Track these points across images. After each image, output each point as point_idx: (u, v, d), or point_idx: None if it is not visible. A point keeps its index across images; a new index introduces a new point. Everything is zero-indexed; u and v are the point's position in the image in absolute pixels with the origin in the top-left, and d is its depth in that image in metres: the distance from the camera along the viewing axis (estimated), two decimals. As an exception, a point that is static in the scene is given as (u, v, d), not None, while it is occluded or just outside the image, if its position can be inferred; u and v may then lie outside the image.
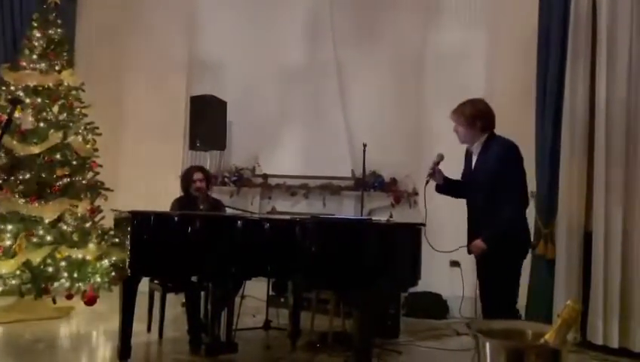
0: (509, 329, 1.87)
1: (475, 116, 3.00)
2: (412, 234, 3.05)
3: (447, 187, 3.18)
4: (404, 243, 3.00)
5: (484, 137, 3.02)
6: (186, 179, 4.13)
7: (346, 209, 5.72)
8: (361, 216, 5.07)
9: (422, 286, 3.54)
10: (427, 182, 3.15)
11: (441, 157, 3.14)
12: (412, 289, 4.03)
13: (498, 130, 3.11)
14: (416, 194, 5.38)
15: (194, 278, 3.77)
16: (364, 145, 4.73)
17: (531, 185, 4.46)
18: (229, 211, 4.36)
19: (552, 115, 4.30)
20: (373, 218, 4.15)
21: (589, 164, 4.15)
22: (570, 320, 1.66)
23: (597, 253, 3.98)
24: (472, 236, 3.00)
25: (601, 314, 3.89)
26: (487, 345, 1.74)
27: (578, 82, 4.15)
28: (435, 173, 3.12)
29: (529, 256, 4.39)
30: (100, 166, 4.98)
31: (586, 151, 4.16)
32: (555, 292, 4.20)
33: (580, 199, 4.18)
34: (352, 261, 2.86)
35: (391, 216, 4.20)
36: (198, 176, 4.09)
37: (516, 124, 4.75)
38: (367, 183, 5.42)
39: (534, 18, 4.45)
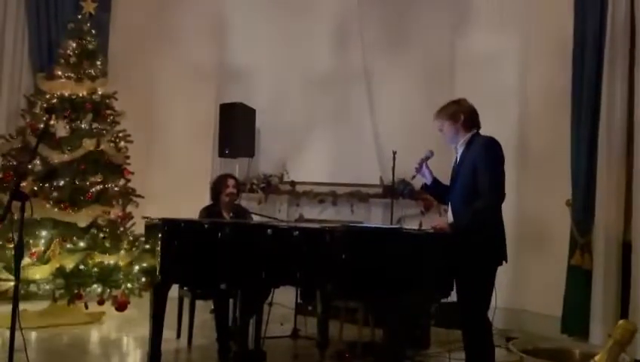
0: (555, 349, 1.79)
1: (457, 111, 2.97)
2: (444, 243, 2.98)
3: (435, 189, 3.13)
4: (436, 252, 2.93)
5: (468, 136, 2.95)
6: (219, 185, 4.14)
7: (374, 216, 5.66)
8: (391, 224, 5.00)
9: (452, 296, 3.46)
10: (413, 177, 3.18)
11: (430, 153, 3.09)
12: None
13: (534, 137, 3.03)
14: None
15: (223, 285, 3.76)
16: (394, 153, 4.68)
17: (567, 193, 4.36)
18: (256, 218, 4.36)
19: (589, 120, 4.18)
20: (405, 226, 4.08)
21: (628, 171, 4.02)
22: (623, 341, 1.57)
23: (636, 264, 3.84)
24: None
25: (642, 327, 3.74)
26: (533, 366, 1.66)
27: (616, 86, 4.03)
28: (421, 168, 3.08)
29: (564, 266, 4.31)
30: (132, 173, 5.05)
31: (625, 158, 4.04)
32: (592, 304, 4.07)
33: (618, 207, 4.05)
34: (383, 270, 2.81)
35: (421, 225, 4.12)
36: (231, 182, 4.11)
37: (551, 130, 4.66)
38: (396, 191, 5.35)
39: (569, 20, 4.34)
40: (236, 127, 5.53)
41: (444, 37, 5.61)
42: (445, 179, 3.11)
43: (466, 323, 2.92)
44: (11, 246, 4.10)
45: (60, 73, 4.90)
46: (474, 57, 5.33)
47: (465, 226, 2.84)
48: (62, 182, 4.63)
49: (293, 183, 5.96)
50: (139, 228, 4.59)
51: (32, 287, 4.34)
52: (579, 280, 4.18)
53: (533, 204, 4.70)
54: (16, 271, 2.63)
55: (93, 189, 4.70)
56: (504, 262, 2.91)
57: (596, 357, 1.64)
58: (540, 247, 4.66)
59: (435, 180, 3.12)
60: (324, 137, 6.06)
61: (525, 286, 4.68)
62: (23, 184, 4.39)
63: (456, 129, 2.96)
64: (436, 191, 3.16)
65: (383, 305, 2.87)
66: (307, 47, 6.10)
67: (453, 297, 3.04)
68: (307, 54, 6.11)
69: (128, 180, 5.00)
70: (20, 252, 2.59)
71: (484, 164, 2.81)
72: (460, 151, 2.99)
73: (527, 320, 4.66)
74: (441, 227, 2.93)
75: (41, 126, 4.56)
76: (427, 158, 3.09)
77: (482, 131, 3.01)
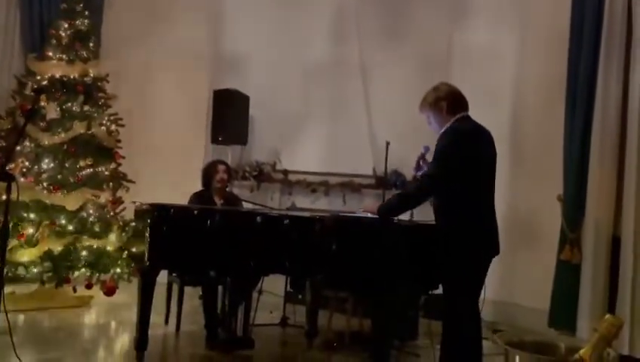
0: (541, 343, 1.78)
1: (438, 98, 2.87)
2: (434, 234, 2.97)
3: None
4: (426, 244, 2.92)
5: (451, 121, 2.83)
6: (209, 171, 4.12)
7: (366, 207, 5.66)
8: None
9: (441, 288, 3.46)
10: (414, 176, 3.10)
11: (425, 150, 3.02)
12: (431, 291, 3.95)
13: (528, 132, 2.97)
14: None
15: (212, 272, 3.75)
16: (387, 143, 4.66)
17: (558, 187, 4.36)
18: (246, 206, 4.34)
19: (583, 116, 4.17)
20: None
21: (620, 168, 4.03)
22: (609, 336, 1.57)
23: (625, 259, 3.86)
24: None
25: (628, 322, 3.77)
26: (517, 358, 1.66)
27: (611, 83, 4.02)
28: (419, 167, 3.03)
29: (554, 260, 4.32)
30: (123, 157, 5.00)
31: (617, 154, 4.04)
32: (580, 298, 4.09)
33: (608, 203, 4.06)
34: (372, 261, 2.80)
35: (412, 216, 4.12)
36: (221, 168, 4.08)
37: (545, 124, 4.66)
38: (389, 182, 5.34)
39: (566, 16, 4.32)
40: (230, 114, 5.49)
41: (440, 30, 5.57)
42: None
43: (444, 313, 2.86)
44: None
45: (51, 54, 4.83)
46: (470, 50, 5.31)
47: (387, 210, 2.82)
48: (51, 165, 4.58)
49: (285, 172, 5.94)
50: (129, 213, 4.56)
51: (20, 270, 4.31)
52: (567, 275, 4.20)
53: (525, 198, 4.71)
54: (2, 253, 2.60)
55: (83, 173, 4.66)
56: (488, 256, 2.80)
57: (581, 352, 1.64)
58: (530, 241, 4.67)
59: None
60: (317, 127, 6.03)
61: (514, 280, 4.70)
62: (11, 165, 4.34)
63: (441, 118, 2.86)
64: None
65: (372, 295, 2.86)
66: (304, 36, 6.05)
67: (440, 289, 3.03)
68: (304, 43, 6.06)
69: (119, 164, 4.96)
70: (5, 233, 2.56)
71: (434, 154, 2.77)
72: None
73: (516, 313, 4.68)
74: (367, 209, 2.91)
75: (29, 107, 4.51)
76: (423, 155, 3.03)
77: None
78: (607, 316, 1.66)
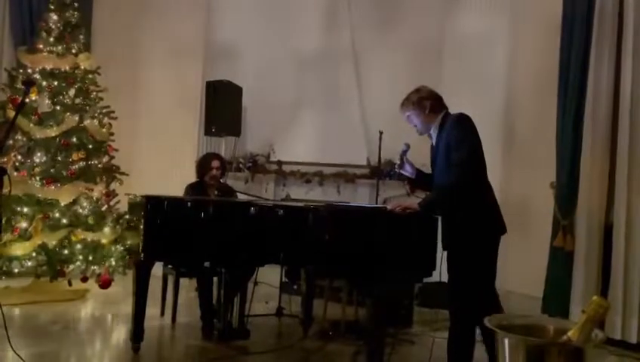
0: (530, 325, 1.80)
1: (422, 98, 2.93)
2: (427, 223, 2.99)
3: (421, 181, 3.08)
4: (420, 232, 2.94)
5: (439, 118, 2.91)
6: (203, 165, 4.11)
7: (360, 197, 5.68)
8: (376, 204, 5.01)
9: (435, 276, 3.49)
10: (397, 173, 3.15)
11: (406, 146, 3.04)
12: (425, 279, 3.97)
13: (521, 119, 2.99)
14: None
15: (206, 264, 3.76)
16: (381, 133, 4.66)
17: (551, 175, 4.39)
18: (241, 197, 4.34)
19: (575, 103, 4.18)
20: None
21: (612, 155, 4.05)
22: (596, 316, 1.59)
23: (617, 246, 3.89)
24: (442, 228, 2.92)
25: (620, 308, 3.81)
26: (506, 341, 1.67)
27: (603, 71, 4.02)
28: (403, 164, 3.04)
29: (547, 248, 4.36)
30: (116, 150, 4.99)
31: (609, 142, 4.05)
32: (573, 284, 4.13)
33: (601, 191, 4.08)
34: (366, 250, 2.82)
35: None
36: (215, 164, 4.07)
37: (538, 112, 4.68)
38: (383, 171, 5.35)
39: (558, 4, 4.32)
40: (223, 106, 5.47)
41: (433, 17, 5.57)
42: (428, 169, 3.09)
43: (451, 301, 2.90)
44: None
45: (41, 47, 4.79)
46: (462, 38, 5.31)
47: (429, 203, 2.83)
48: (44, 158, 4.56)
49: (279, 163, 5.94)
50: (123, 206, 4.56)
51: (14, 264, 4.30)
52: (560, 262, 4.23)
53: (518, 185, 4.73)
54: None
55: (76, 166, 4.64)
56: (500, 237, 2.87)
57: (569, 333, 1.65)
58: (523, 228, 4.69)
59: (418, 172, 3.08)
60: (311, 117, 6.03)
61: (508, 267, 4.71)
62: (4, 159, 4.32)
63: (425, 117, 2.93)
64: (423, 182, 3.09)
65: (367, 285, 2.88)
66: (296, 26, 6.03)
67: (436, 277, 3.06)
68: (296, 33, 6.04)
69: (112, 157, 4.95)
70: (-2, 227, 2.55)
71: (454, 142, 2.79)
72: (435, 136, 2.95)
73: (509, 300, 4.70)
74: (407, 206, 2.89)
75: (20, 100, 4.48)
76: (405, 152, 3.05)
77: (470, 112, 2.94)
78: (595, 297, 1.68)
